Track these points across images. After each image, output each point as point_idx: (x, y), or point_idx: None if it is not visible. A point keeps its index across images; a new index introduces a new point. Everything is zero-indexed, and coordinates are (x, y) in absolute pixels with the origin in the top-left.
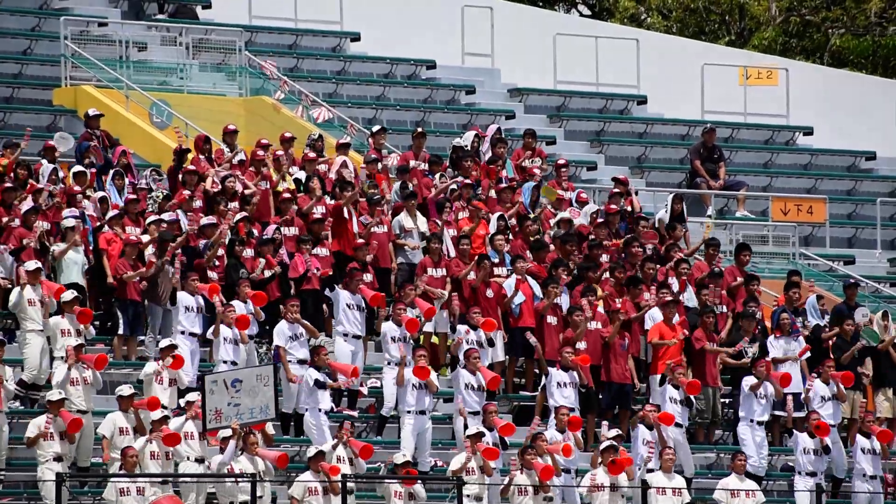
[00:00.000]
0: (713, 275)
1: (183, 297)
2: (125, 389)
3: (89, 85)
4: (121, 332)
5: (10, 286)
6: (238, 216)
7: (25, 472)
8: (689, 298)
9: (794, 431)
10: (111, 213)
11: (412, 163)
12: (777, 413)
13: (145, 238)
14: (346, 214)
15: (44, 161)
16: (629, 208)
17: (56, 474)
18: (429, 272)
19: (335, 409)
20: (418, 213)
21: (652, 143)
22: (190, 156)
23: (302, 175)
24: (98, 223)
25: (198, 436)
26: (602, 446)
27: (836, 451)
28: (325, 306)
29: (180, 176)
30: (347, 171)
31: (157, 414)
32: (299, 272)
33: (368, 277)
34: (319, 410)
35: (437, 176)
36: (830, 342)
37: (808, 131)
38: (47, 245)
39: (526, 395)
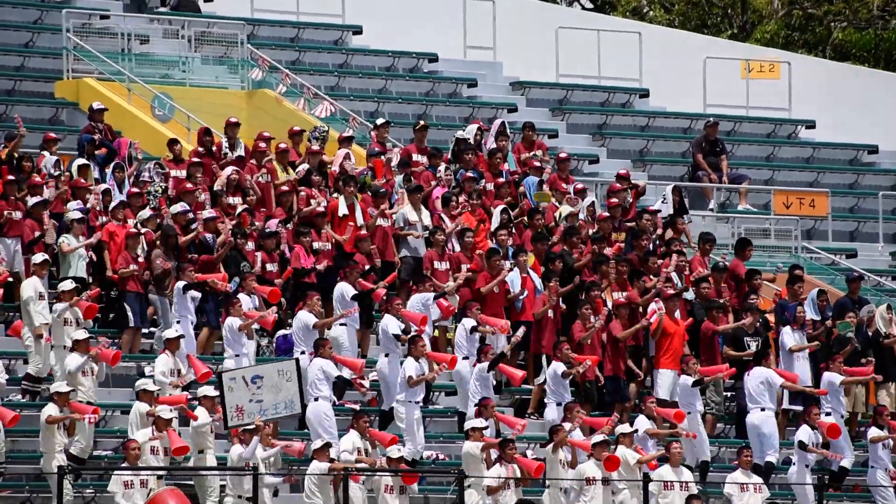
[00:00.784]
0: (716, 269)
1: (187, 290)
2: (149, 384)
3: (91, 78)
4: (132, 324)
5: (10, 279)
6: (239, 209)
7: (28, 464)
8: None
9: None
10: (113, 205)
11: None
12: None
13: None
14: (345, 210)
15: (45, 153)
16: (630, 199)
17: (58, 467)
18: (434, 265)
19: (337, 403)
20: (422, 207)
21: (654, 136)
22: (187, 147)
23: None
24: (101, 216)
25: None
26: (593, 440)
27: (844, 443)
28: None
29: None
30: (350, 164)
31: (166, 413)
32: (302, 264)
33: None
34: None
35: (442, 168)
36: (831, 337)
37: (811, 125)
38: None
39: (527, 389)
